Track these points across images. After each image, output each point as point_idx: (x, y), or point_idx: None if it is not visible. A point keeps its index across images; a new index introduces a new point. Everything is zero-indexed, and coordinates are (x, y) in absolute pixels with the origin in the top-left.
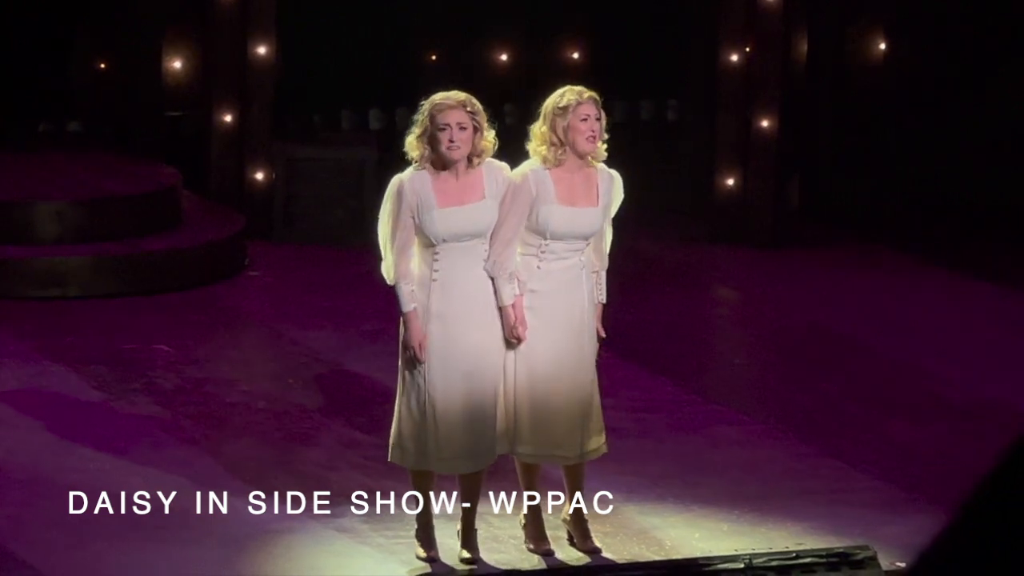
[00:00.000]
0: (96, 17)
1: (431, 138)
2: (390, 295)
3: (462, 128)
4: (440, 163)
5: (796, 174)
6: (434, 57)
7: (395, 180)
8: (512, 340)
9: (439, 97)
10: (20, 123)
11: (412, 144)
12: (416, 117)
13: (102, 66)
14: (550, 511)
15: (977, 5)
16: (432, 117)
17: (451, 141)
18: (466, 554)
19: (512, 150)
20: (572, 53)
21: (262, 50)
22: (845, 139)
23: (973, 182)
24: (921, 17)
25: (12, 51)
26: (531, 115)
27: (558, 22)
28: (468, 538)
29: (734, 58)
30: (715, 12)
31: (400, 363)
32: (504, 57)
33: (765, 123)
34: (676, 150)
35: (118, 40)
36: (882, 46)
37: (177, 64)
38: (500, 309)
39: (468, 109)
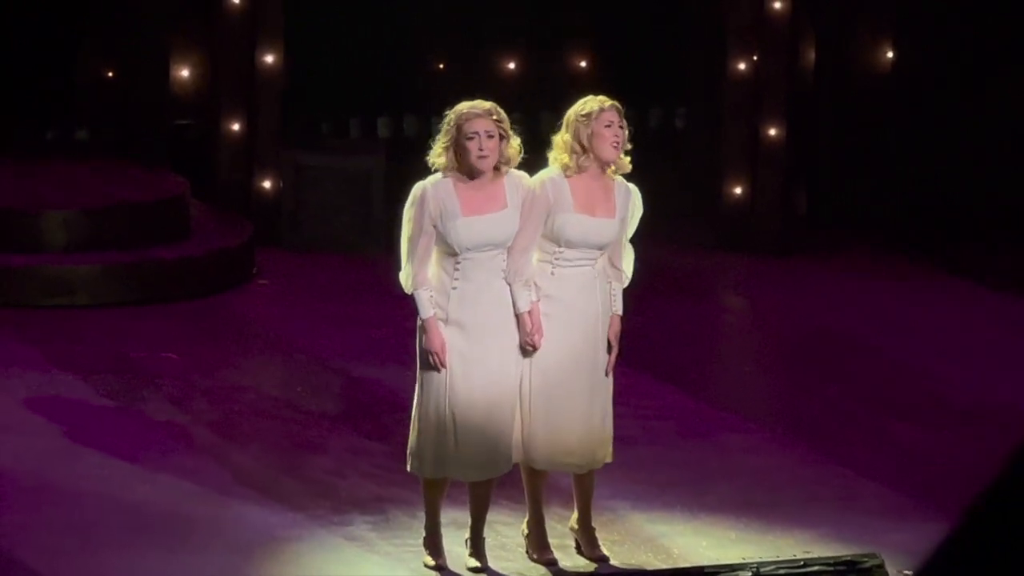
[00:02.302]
0: (102, 25)
1: (458, 147)
2: (399, 301)
3: (490, 136)
4: (466, 172)
5: (803, 181)
6: (442, 66)
7: (417, 187)
8: (528, 347)
9: (466, 107)
10: (27, 131)
11: (438, 154)
12: (441, 126)
13: (109, 74)
14: (555, 519)
15: (980, 10)
16: (459, 127)
17: (480, 150)
18: (474, 562)
19: (524, 156)
20: (580, 62)
21: (270, 58)
22: (851, 145)
23: (978, 186)
24: (925, 23)
25: (19, 59)
26: (539, 124)
27: (565, 30)
28: (476, 546)
29: (741, 66)
30: (722, 20)
31: (418, 370)
32: (512, 66)
33: (772, 131)
34: (684, 158)
35: (125, 48)
36: (888, 53)
37: (184, 72)
38: (517, 316)
39: (495, 118)
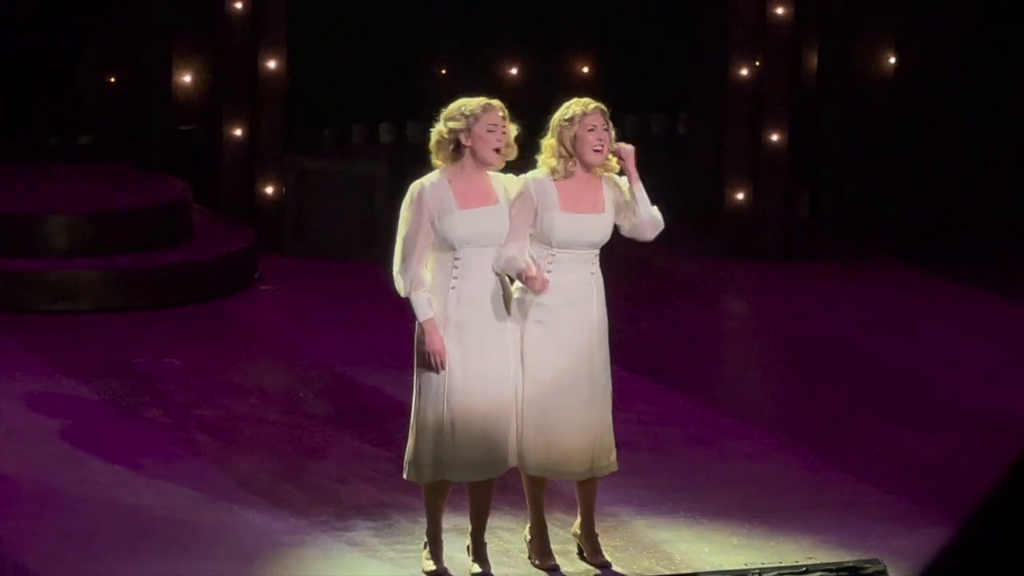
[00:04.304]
0: (106, 31)
1: (473, 137)
2: (402, 307)
3: (504, 132)
4: (468, 163)
5: (806, 187)
6: (444, 71)
7: (415, 185)
8: (536, 288)
9: (480, 100)
10: (31, 137)
11: (442, 142)
12: (449, 116)
13: (112, 79)
14: (558, 525)
15: (983, 14)
16: (477, 117)
17: (499, 141)
18: (477, 568)
19: (522, 163)
20: (582, 67)
21: (272, 64)
22: (853, 150)
23: (981, 192)
24: (928, 28)
25: (22, 64)
26: (541, 128)
27: (568, 36)
28: (478, 552)
29: (744, 72)
30: (725, 25)
31: (416, 373)
32: (514, 71)
33: (775, 136)
34: (687, 163)
35: (128, 53)
36: (891, 59)
37: (187, 77)
38: (523, 280)
39: (501, 115)
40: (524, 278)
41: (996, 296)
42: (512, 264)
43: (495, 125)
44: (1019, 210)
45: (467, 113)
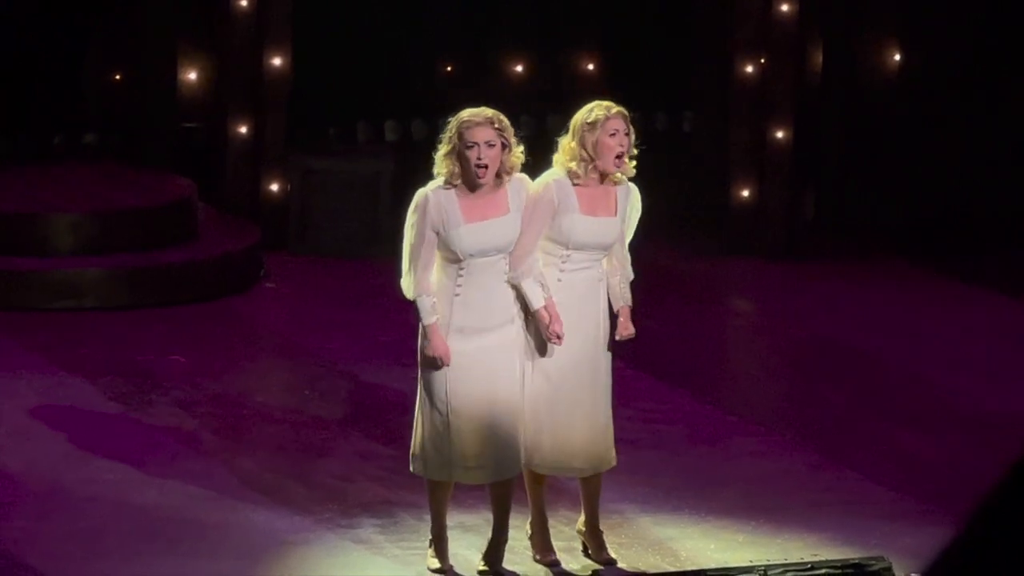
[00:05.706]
0: (110, 29)
1: (459, 156)
2: (406, 305)
3: (490, 146)
4: (468, 180)
5: (810, 185)
6: (449, 68)
7: (419, 194)
8: (552, 340)
9: (467, 114)
10: (34, 136)
11: (440, 161)
12: (443, 134)
13: (117, 78)
14: (563, 522)
15: (987, 13)
16: (460, 135)
17: (479, 159)
18: (483, 567)
19: (526, 162)
20: (587, 65)
21: (277, 61)
22: (858, 148)
23: (986, 191)
24: (933, 25)
25: (26, 63)
26: (546, 126)
27: (573, 34)
28: (491, 554)
29: (748, 69)
30: (729, 23)
31: (419, 375)
32: (519, 68)
33: (779, 134)
34: (691, 161)
35: (133, 52)
36: (896, 57)
37: (192, 75)
38: (533, 313)
39: (496, 126)
40: (536, 318)
41: (996, 296)
42: (531, 299)
43: (475, 143)
44: (1019, 210)
45: (456, 127)
